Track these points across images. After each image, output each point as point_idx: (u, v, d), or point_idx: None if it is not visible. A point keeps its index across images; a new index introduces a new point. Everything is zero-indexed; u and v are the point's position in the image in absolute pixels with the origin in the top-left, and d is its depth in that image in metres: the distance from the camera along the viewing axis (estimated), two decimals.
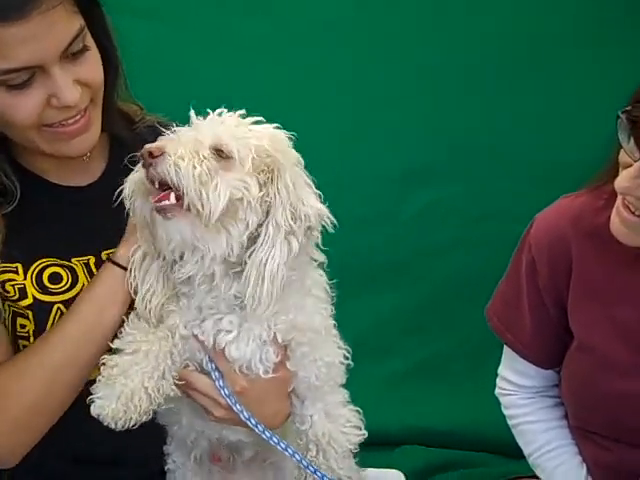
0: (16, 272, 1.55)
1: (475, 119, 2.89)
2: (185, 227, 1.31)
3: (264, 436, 1.45)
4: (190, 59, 2.81)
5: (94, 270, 1.60)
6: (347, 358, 1.51)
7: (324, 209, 1.39)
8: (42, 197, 1.61)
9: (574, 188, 1.74)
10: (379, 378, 2.90)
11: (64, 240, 1.60)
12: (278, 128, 1.40)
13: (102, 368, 1.38)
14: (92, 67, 1.52)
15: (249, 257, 1.34)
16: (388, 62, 2.90)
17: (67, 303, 1.56)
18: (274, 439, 1.46)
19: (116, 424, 1.34)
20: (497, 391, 1.90)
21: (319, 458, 1.52)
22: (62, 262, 1.59)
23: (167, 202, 1.30)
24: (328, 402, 1.52)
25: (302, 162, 1.40)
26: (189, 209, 1.29)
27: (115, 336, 1.44)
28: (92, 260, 1.61)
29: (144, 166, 1.30)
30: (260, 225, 1.35)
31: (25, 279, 1.55)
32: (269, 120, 1.41)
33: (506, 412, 1.89)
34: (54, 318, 1.56)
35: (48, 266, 1.57)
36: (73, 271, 1.60)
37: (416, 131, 2.91)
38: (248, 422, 1.45)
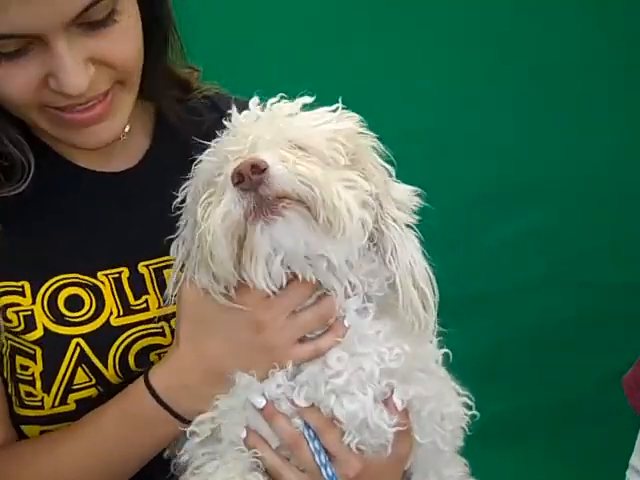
0: (22, 294, 1.29)
1: (583, 134, 2.65)
2: (300, 228, 1.11)
3: None
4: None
5: (127, 288, 1.34)
6: (470, 408, 1.29)
7: (408, 187, 1.26)
8: (62, 186, 1.37)
9: None
10: None
11: (90, 247, 1.35)
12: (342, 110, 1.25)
13: None
14: (120, 42, 1.21)
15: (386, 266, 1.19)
16: (482, 63, 2.67)
17: (89, 338, 1.29)
18: None
19: None
20: None
21: None
22: (84, 279, 1.32)
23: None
24: (444, 477, 1.31)
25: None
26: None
27: None
28: (125, 274, 1.35)
29: (248, 189, 1.09)
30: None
31: (34, 303, 1.29)
32: None
33: None
34: (70, 358, 1.28)
35: (65, 285, 1.31)
36: (97, 292, 1.33)
37: (508, 144, 2.66)
38: None
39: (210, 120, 1.45)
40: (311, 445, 1.18)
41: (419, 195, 1.24)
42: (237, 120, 1.20)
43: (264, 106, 1.21)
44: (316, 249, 1.13)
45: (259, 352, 1.18)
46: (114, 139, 1.31)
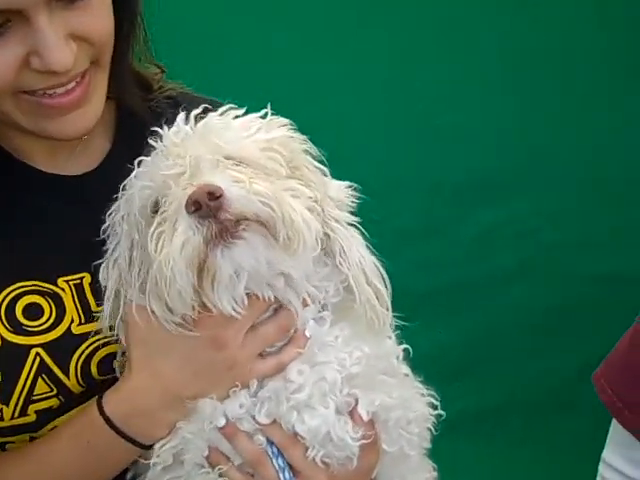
0: None
1: (555, 124, 2.63)
2: (261, 249, 1.10)
3: None
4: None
5: (88, 294, 1.30)
6: (435, 407, 1.27)
7: (343, 183, 1.26)
8: (19, 191, 1.32)
9: None
10: None
11: (49, 253, 1.30)
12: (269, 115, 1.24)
13: None
14: (98, 15, 1.20)
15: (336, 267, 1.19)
16: (458, 54, 2.66)
17: (49, 347, 1.25)
18: None
19: None
20: None
21: None
22: (44, 286, 1.28)
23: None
24: None
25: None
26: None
27: None
28: (87, 279, 1.30)
29: (206, 217, 1.07)
30: None
31: None
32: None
33: None
34: (30, 368, 1.24)
35: (24, 294, 1.27)
36: (58, 299, 1.28)
37: (482, 136, 2.66)
38: None
39: (170, 114, 1.39)
40: (275, 462, 1.16)
41: (355, 189, 1.24)
42: (167, 139, 1.17)
43: (188, 120, 1.19)
44: (277, 267, 1.12)
45: (220, 371, 1.16)
46: (89, 128, 1.27)
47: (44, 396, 1.25)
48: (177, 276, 1.08)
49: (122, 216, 1.19)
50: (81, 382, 1.26)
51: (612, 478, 1.59)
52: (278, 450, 1.16)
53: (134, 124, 1.40)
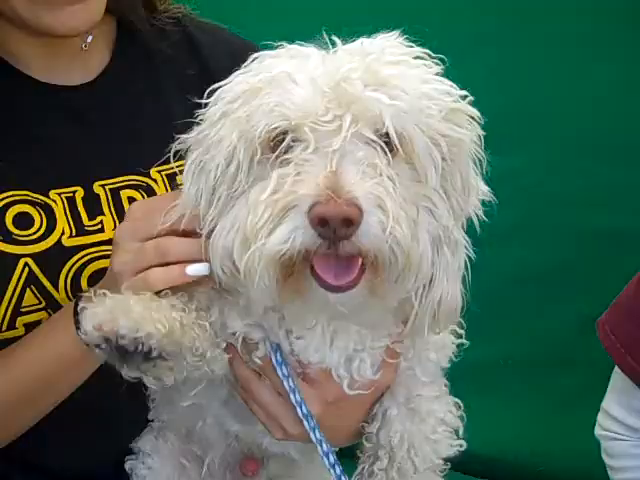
0: None
1: (555, 74, 2.50)
2: (363, 294, 0.95)
3: (326, 462, 1.12)
4: None
5: (81, 208, 1.28)
6: (460, 336, 1.25)
7: (485, 190, 1.10)
8: (16, 98, 1.30)
9: None
10: None
11: (42, 164, 1.29)
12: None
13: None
14: None
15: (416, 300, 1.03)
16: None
17: (38, 258, 1.24)
18: (337, 470, 1.13)
19: None
20: (599, 432, 1.62)
21: (390, 474, 1.19)
22: (35, 197, 1.27)
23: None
24: (413, 393, 1.21)
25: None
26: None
27: None
28: (79, 193, 1.29)
29: (326, 237, 0.88)
30: None
31: None
32: None
33: (610, 462, 1.61)
34: (18, 278, 1.23)
35: (15, 202, 1.26)
36: (49, 210, 1.27)
37: (479, 85, 2.48)
38: (318, 447, 1.12)
39: (173, 32, 1.42)
40: (279, 371, 1.11)
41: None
42: (301, 69, 0.95)
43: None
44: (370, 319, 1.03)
45: None
46: (88, 25, 1.24)
47: (33, 308, 1.24)
48: (261, 276, 0.93)
49: (224, 128, 0.97)
50: (70, 296, 1.24)
51: (611, 427, 1.59)
52: (282, 358, 1.11)
53: (134, 40, 1.39)
